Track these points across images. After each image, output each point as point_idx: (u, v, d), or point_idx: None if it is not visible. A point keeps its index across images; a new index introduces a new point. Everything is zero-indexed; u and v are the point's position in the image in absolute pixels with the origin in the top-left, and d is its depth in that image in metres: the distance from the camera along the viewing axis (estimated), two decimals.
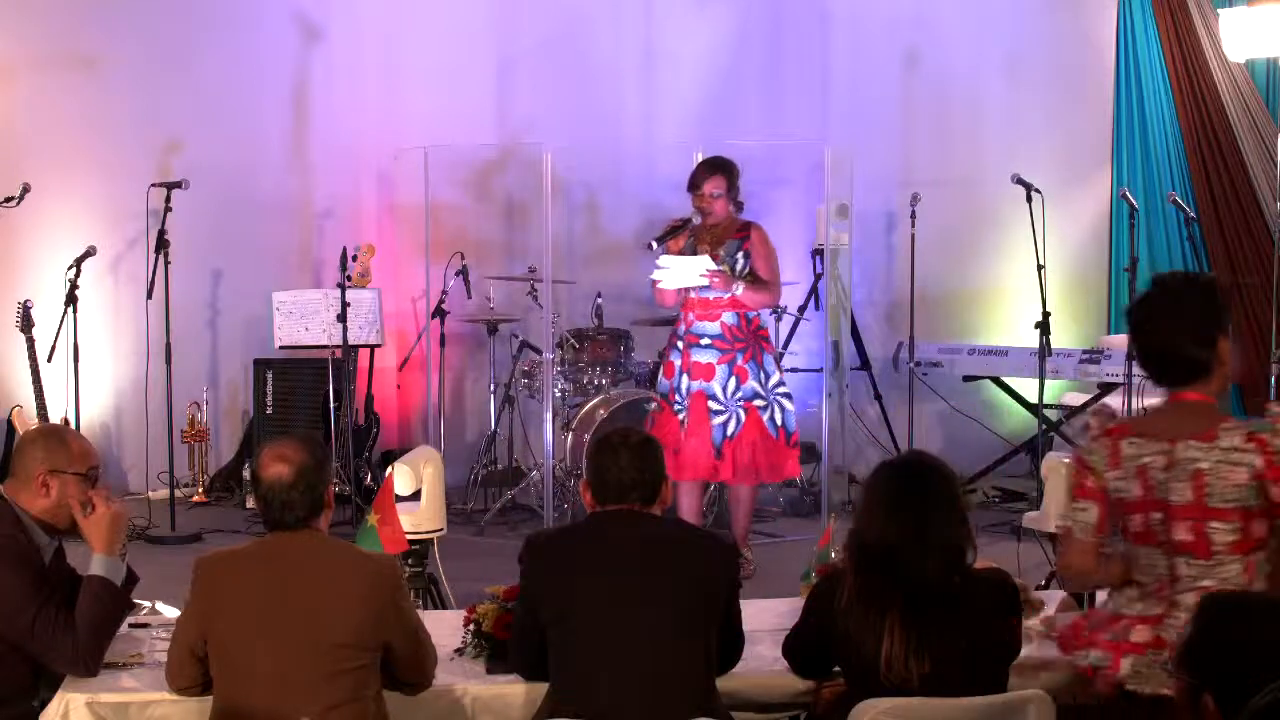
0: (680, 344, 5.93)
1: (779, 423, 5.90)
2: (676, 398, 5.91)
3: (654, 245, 5.84)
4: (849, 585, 3.00)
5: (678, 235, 5.85)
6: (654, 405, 6.04)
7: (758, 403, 5.85)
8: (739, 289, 5.77)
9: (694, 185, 5.83)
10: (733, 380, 5.84)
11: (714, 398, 5.84)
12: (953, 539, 2.98)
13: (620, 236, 8.23)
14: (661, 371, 6.06)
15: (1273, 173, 8.03)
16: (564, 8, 8.19)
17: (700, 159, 6.00)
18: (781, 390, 5.96)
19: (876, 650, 2.92)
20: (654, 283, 5.91)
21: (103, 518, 3.27)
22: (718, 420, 5.83)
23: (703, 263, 5.74)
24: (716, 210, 5.81)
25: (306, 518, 3.00)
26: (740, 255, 5.82)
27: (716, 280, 5.74)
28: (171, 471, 6.77)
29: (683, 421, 5.86)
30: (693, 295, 5.88)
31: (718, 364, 5.84)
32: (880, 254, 8.44)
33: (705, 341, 5.86)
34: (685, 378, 5.89)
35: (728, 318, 5.85)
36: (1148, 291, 3.21)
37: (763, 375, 5.88)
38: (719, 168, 5.84)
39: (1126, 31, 8.56)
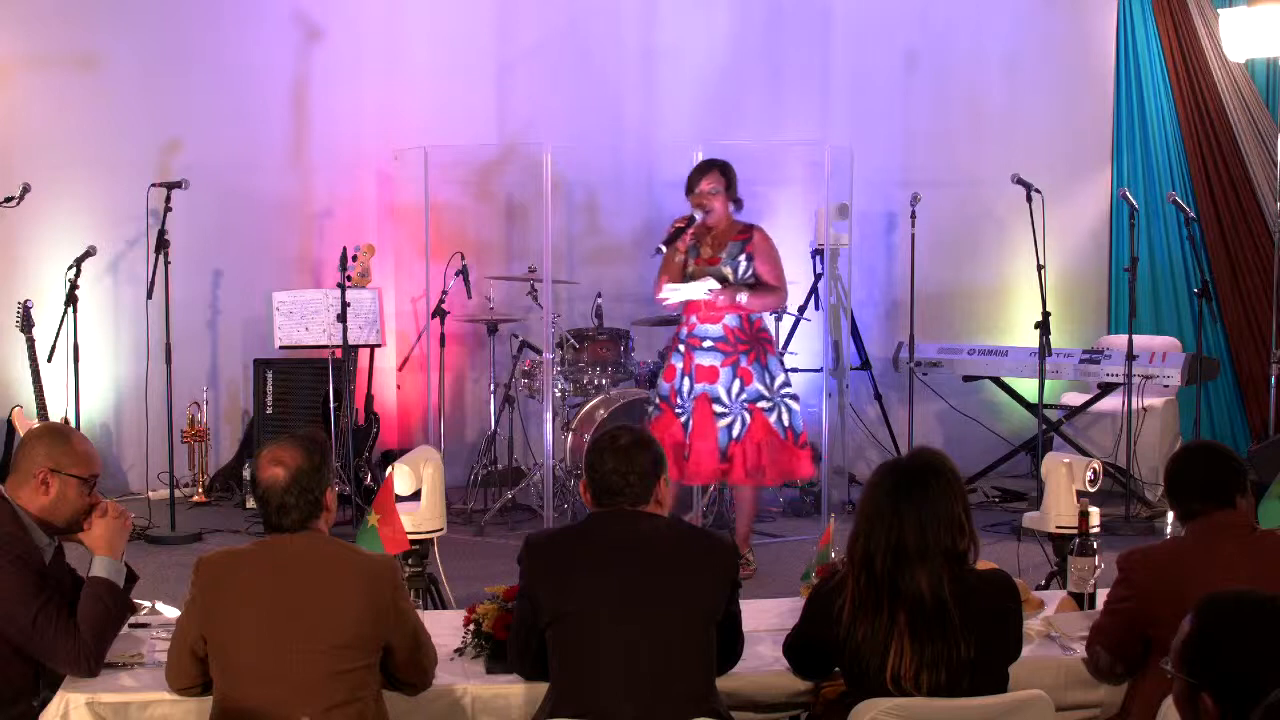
0: (682, 346, 5.93)
1: (786, 423, 5.89)
2: (678, 400, 5.89)
3: (662, 249, 5.81)
4: (850, 596, 2.97)
5: (683, 236, 5.82)
6: (651, 407, 6.02)
7: (762, 404, 5.83)
8: (743, 298, 5.77)
9: (690, 187, 5.84)
10: (737, 382, 5.82)
11: (718, 400, 5.82)
12: (954, 546, 2.95)
13: (620, 236, 8.24)
14: (662, 374, 6.05)
15: (1273, 173, 8.03)
16: (564, 8, 8.19)
17: (699, 159, 6.00)
18: (787, 391, 5.96)
19: (882, 663, 2.91)
20: (658, 295, 5.93)
21: (105, 522, 3.27)
22: (723, 423, 5.81)
23: (707, 283, 5.76)
24: (716, 207, 5.80)
25: (304, 520, 3.00)
26: (743, 258, 5.81)
27: (721, 298, 5.77)
28: (171, 471, 6.77)
29: (686, 424, 5.85)
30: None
31: (721, 366, 5.82)
32: (880, 254, 8.45)
33: (708, 344, 5.85)
34: (688, 380, 5.88)
35: (730, 320, 5.84)
36: None
37: (768, 377, 5.87)
38: (713, 164, 5.85)
39: (1126, 31, 8.56)
